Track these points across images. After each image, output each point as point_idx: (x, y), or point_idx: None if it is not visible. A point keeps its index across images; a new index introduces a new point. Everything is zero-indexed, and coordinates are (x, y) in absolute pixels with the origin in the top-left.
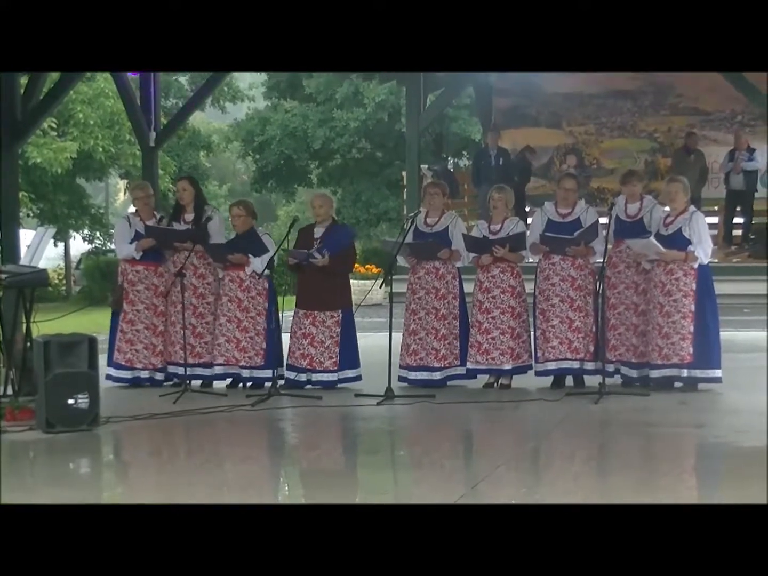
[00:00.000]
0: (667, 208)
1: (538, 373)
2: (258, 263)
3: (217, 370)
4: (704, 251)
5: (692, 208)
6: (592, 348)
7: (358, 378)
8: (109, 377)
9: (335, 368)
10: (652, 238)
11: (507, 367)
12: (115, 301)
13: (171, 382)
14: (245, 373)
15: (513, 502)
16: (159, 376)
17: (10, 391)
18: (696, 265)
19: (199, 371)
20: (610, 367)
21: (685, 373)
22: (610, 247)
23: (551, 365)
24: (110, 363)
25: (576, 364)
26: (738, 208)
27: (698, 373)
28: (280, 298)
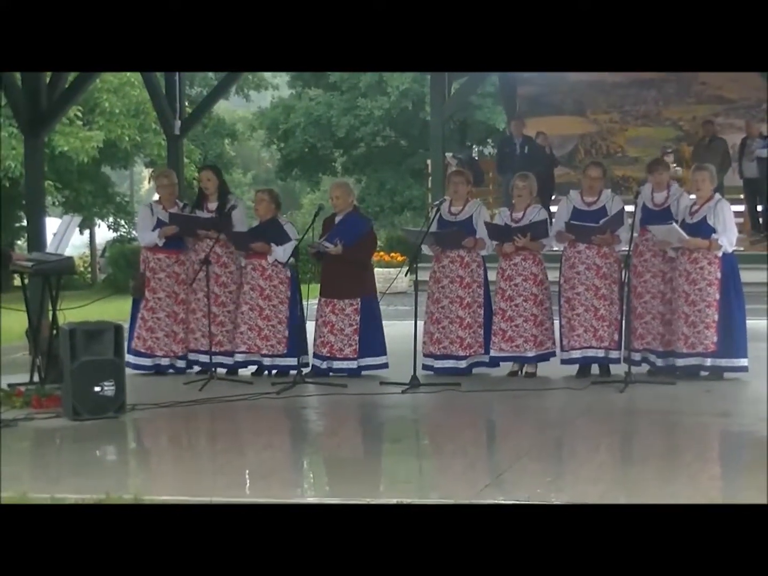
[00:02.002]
0: (693, 197)
1: (563, 362)
2: (280, 252)
3: (239, 357)
4: (728, 240)
5: (717, 196)
6: (617, 336)
7: (384, 365)
8: (128, 364)
9: (354, 356)
10: (675, 225)
11: (530, 354)
12: (137, 289)
13: (193, 370)
14: (267, 361)
15: (538, 491)
16: (180, 363)
17: (36, 379)
18: (720, 254)
19: (220, 359)
20: (637, 356)
21: (709, 362)
22: (635, 235)
23: (576, 353)
24: (129, 350)
25: (601, 353)
26: (758, 197)
27: (723, 362)
28: (304, 287)
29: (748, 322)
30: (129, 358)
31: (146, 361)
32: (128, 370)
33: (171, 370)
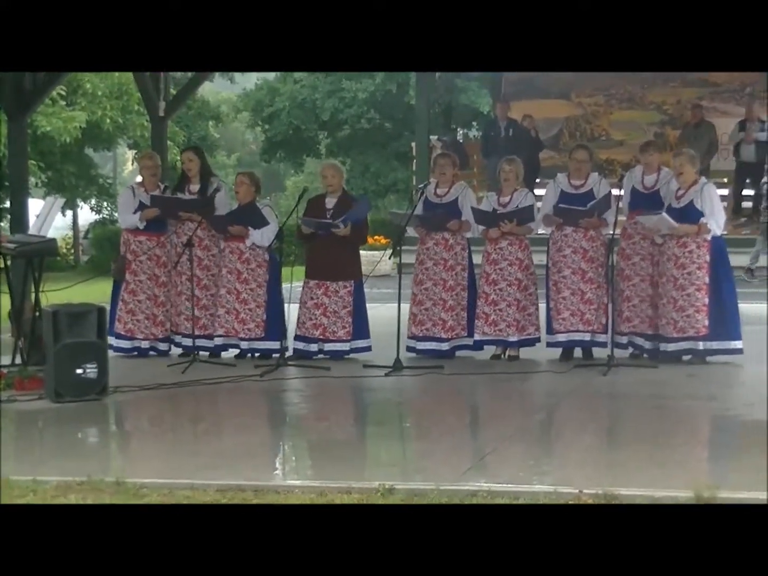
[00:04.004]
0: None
1: (549, 345)
2: (257, 235)
3: (218, 341)
4: (717, 222)
5: (703, 179)
6: (603, 320)
7: (369, 348)
8: (110, 347)
9: (348, 338)
10: (664, 214)
11: (512, 339)
12: (117, 271)
13: (174, 352)
14: (244, 344)
15: (520, 474)
16: (162, 346)
17: (19, 361)
18: (709, 237)
19: (203, 342)
20: (623, 339)
21: (701, 345)
22: (623, 218)
23: (562, 337)
24: (110, 333)
25: (587, 336)
26: (748, 180)
27: (715, 345)
28: (287, 269)
29: None
30: (110, 340)
31: (126, 344)
32: (110, 353)
33: (152, 353)
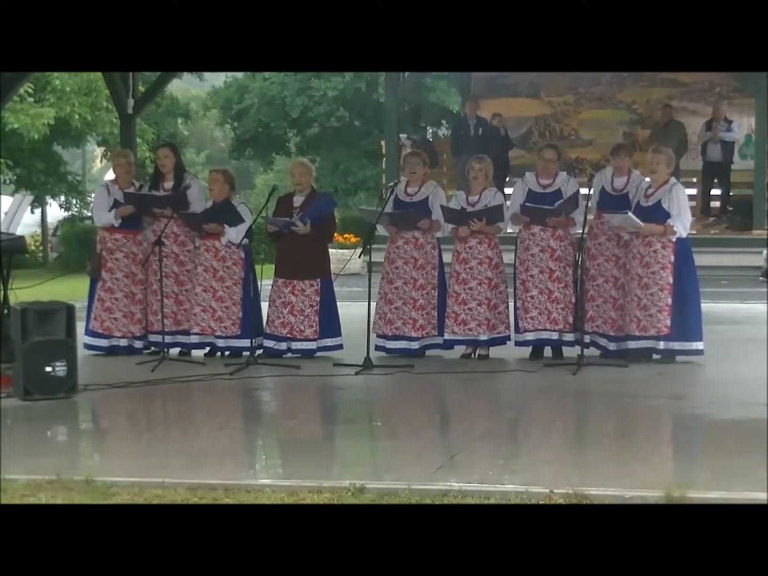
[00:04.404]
0: (648, 179)
1: (517, 344)
2: (233, 233)
3: (193, 339)
4: (683, 224)
5: (673, 180)
6: (571, 319)
7: (340, 347)
8: (85, 345)
9: (315, 337)
10: (630, 214)
11: (483, 337)
12: (94, 269)
13: (150, 350)
14: (221, 342)
15: (490, 473)
16: (138, 344)
17: None
18: (674, 238)
19: (180, 338)
20: (586, 338)
21: (662, 345)
22: (591, 218)
23: (530, 336)
24: (87, 331)
25: (555, 335)
26: (715, 180)
27: (677, 345)
28: (258, 267)
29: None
30: (86, 338)
31: (103, 342)
32: (84, 351)
33: (127, 351)
